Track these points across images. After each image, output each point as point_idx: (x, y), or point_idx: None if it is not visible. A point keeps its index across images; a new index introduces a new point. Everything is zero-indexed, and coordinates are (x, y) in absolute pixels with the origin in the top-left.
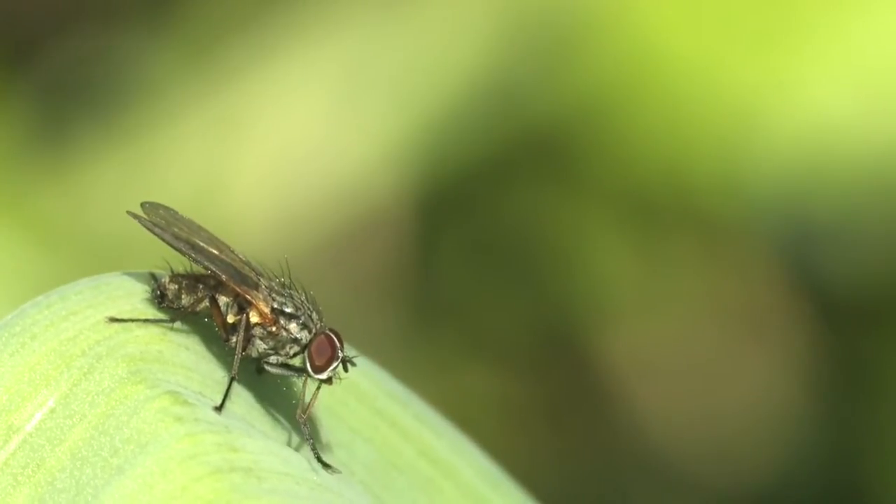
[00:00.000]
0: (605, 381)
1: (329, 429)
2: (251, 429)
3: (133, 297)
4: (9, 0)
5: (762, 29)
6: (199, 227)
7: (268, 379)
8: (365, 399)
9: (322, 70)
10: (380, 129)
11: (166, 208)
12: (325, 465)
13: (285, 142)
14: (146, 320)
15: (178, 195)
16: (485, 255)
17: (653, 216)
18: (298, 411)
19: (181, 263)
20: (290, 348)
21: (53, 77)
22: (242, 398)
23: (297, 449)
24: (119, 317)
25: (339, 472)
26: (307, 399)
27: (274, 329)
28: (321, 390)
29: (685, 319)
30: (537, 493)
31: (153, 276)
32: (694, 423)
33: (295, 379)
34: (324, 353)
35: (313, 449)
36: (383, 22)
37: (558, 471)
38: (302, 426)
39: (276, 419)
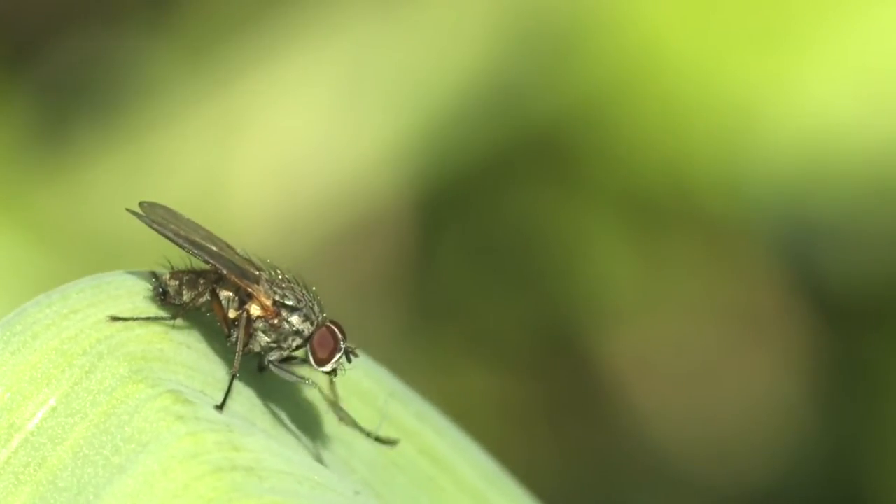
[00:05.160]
0: (605, 381)
1: (330, 425)
2: (252, 427)
3: (134, 296)
4: (9, 0)
5: (762, 29)
6: (198, 226)
7: (269, 378)
8: (366, 397)
9: (322, 70)
10: (379, 130)
11: (164, 207)
12: (383, 440)
13: (285, 142)
14: (147, 318)
15: (177, 195)
16: (485, 255)
17: (653, 216)
18: (336, 417)
19: (183, 261)
20: (293, 341)
21: (53, 77)
22: (244, 396)
23: (303, 447)
24: (120, 315)
25: (396, 443)
26: (328, 394)
27: (276, 322)
28: (327, 387)
29: (685, 320)
30: (537, 494)
31: (154, 275)
32: (694, 424)
33: (297, 380)
34: (326, 346)
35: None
36: (383, 22)
37: (558, 471)
38: (347, 425)
39: (277, 418)
